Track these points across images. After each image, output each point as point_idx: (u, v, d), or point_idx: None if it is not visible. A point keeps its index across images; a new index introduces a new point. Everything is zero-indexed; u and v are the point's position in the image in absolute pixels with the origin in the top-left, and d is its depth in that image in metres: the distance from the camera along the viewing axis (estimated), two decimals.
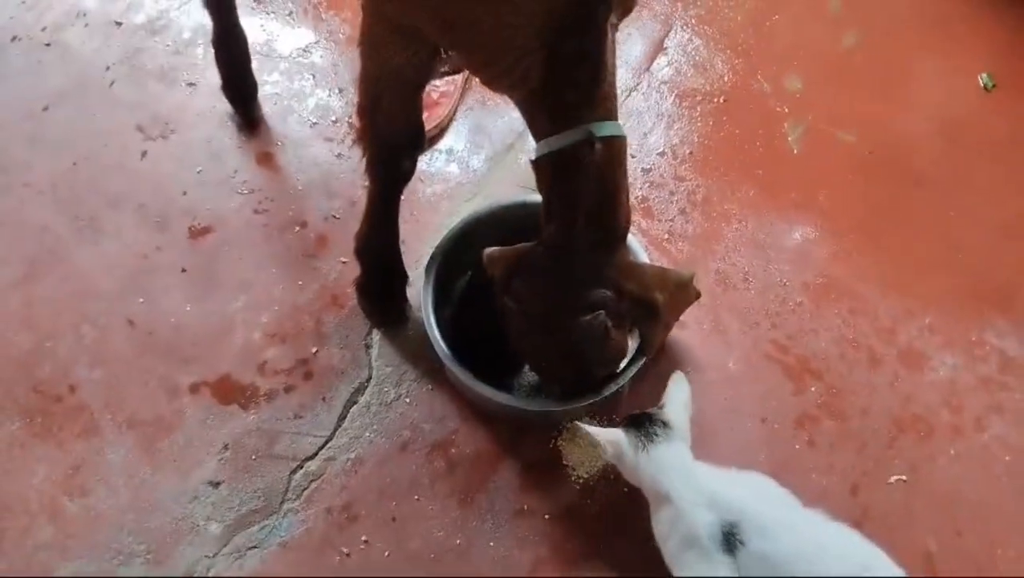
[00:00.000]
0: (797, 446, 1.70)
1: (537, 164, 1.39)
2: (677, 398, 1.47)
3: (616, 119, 1.36)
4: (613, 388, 1.55)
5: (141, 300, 1.75)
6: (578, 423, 1.48)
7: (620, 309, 1.44)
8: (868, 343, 1.84)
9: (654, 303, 1.46)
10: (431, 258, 1.66)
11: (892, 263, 1.96)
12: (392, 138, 1.48)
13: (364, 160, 1.54)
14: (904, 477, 1.67)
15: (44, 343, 1.69)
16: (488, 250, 1.52)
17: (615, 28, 1.30)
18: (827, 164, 2.10)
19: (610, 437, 1.41)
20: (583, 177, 1.33)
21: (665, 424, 1.42)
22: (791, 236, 1.98)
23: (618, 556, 1.54)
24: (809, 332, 1.84)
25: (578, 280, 1.43)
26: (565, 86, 1.27)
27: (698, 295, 1.60)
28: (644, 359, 1.56)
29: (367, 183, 1.60)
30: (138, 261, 1.80)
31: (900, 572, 1.33)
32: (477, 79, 1.40)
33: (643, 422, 1.43)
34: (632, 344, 1.58)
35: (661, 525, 1.39)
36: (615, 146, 1.35)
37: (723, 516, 1.31)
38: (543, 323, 1.48)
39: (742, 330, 1.83)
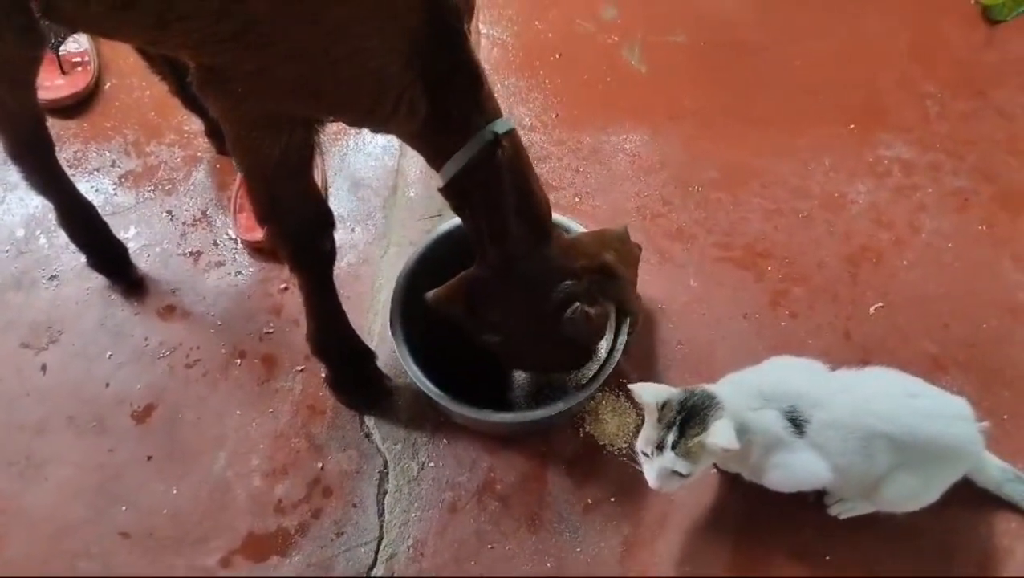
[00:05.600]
0: (783, 323, 1.79)
1: (450, 188, 1.36)
2: (662, 391, 1.37)
3: (501, 115, 1.36)
4: (615, 360, 1.57)
5: (123, 508, 1.62)
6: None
7: (587, 288, 1.46)
8: (791, 206, 1.95)
9: (607, 265, 1.49)
10: (391, 321, 1.62)
11: (769, 129, 2.08)
12: (304, 228, 1.42)
13: (285, 260, 1.48)
14: (880, 304, 1.79)
15: None
16: (429, 294, 1.50)
17: (468, 30, 1.30)
18: (673, 69, 2.20)
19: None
20: (500, 178, 1.33)
21: (699, 406, 1.32)
22: (678, 144, 2.06)
23: (695, 502, 1.57)
24: (739, 221, 1.93)
25: (538, 284, 1.44)
26: (451, 100, 1.26)
27: (639, 248, 1.64)
28: (629, 320, 1.58)
29: (295, 281, 1.54)
30: (98, 473, 1.66)
31: (935, 388, 1.43)
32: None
33: (699, 418, 1.31)
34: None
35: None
36: (515, 138, 1.37)
37: (780, 405, 1.35)
38: (530, 339, 1.49)
39: (685, 249, 1.90)
